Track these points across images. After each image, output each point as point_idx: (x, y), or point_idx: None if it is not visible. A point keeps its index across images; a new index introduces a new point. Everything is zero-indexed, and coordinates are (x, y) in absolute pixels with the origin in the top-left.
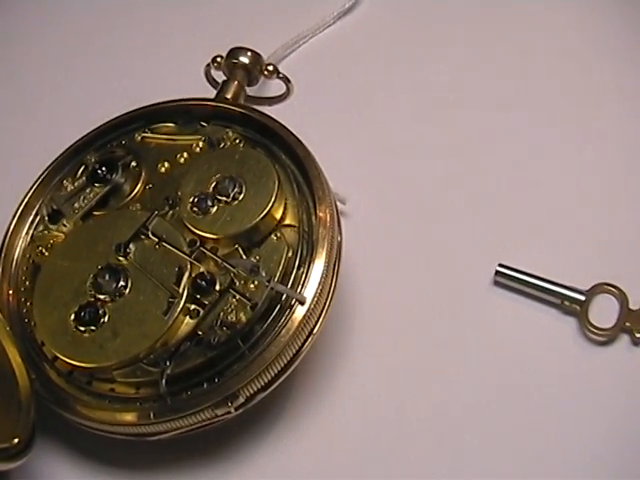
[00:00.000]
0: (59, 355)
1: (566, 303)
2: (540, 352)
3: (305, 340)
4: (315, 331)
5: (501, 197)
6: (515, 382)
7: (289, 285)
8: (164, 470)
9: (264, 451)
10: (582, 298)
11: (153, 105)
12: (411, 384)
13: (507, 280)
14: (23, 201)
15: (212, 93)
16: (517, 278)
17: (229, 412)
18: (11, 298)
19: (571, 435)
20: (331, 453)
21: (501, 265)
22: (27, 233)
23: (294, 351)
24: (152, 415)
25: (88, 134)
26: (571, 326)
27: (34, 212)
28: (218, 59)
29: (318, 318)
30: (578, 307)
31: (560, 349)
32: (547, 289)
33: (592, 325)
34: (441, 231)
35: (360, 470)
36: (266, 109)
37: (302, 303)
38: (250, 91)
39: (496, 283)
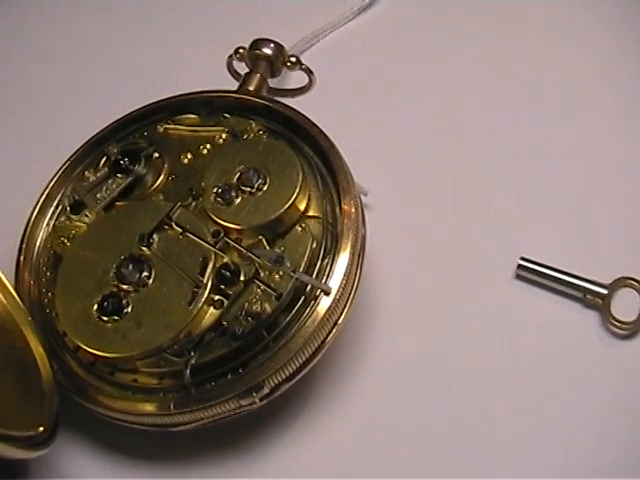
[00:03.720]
0: (82, 345)
1: (588, 297)
2: (562, 346)
3: (330, 331)
4: (340, 322)
5: (523, 190)
6: (537, 376)
7: (314, 276)
8: (186, 461)
9: (286, 443)
10: (604, 292)
11: (175, 97)
12: (432, 377)
13: (529, 274)
14: (44, 192)
15: (234, 85)
16: (539, 271)
17: (254, 403)
18: (32, 288)
19: (593, 429)
20: (353, 446)
21: (523, 258)
22: (48, 224)
23: (319, 342)
24: (175, 405)
25: (110, 125)
26: (593, 320)
27: (55, 203)
28: (240, 50)
29: (343, 309)
30: (600, 301)
31: (582, 343)
32: (569, 283)
33: (615, 319)
34: (463, 224)
35: (382, 463)
36: (287, 101)
37: (327, 294)
38: (271, 83)
39: (518, 277)
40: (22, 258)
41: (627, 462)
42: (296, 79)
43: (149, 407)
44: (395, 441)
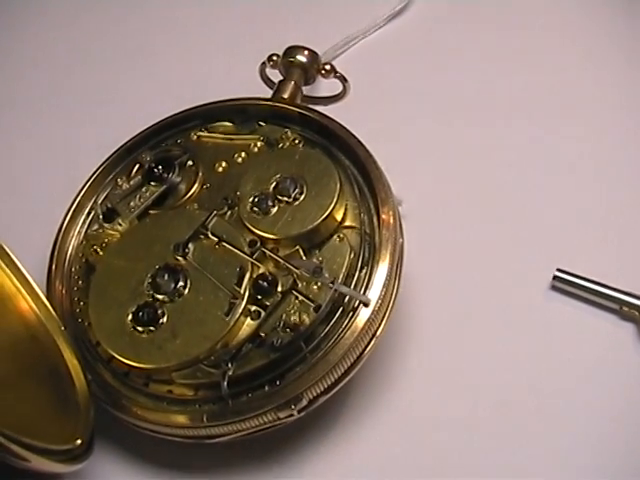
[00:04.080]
0: (116, 355)
1: (625, 309)
2: (598, 358)
3: (368, 342)
4: (378, 333)
5: (560, 201)
6: (572, 388)
7: (352, 287)
8: (221, 474)
9: (322, 456)
10: None
11: (208, 104)
12: (469, 387)
13: (565, 285)
14: (76, 199)
15: (266, 92)
16: (575, 283)
17: (291, 415)
18: (64, 297)
19: (628, 441)
20: (389, 457)
21: (559, 270)
22: (80, 232)
23: (357, 353)
24: (211, 417)
25: (142, 132)
26: (629, 332)
27: (87, 211)
28: (274, 58)
29: (381, 320)
30: (637, 313)
31: (618, 355)
32: (605, 294)
33: None
34: (499, 235)
35: (419, 475)
36: (320, 109)
37: (366, 305)
38: (305, 91)
39: (554, 288)
40: (54, 267)
41: None
42: (327, 87)
43: (184, 419)
44: (432, 452)
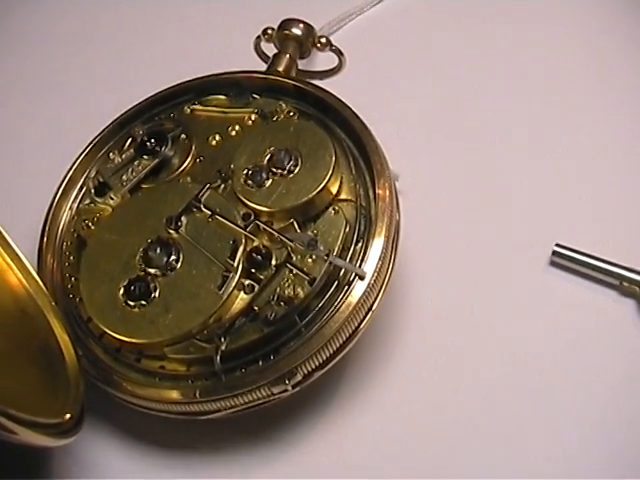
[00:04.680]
0: (108, 331)
1: (625, 284)
2: (598, 333)
3: (364, 317)
4: (374, 307)
5: (559, 177)
6: (572, 363)
7: (347, 260)
8: (215, 451)
9: (318, 432)
10: None
11: (202, 78)
12: (466, 363)
13: (564, 260)
14: (68, 174)
15: (262, 67)
16: (575, 258)
17: (286, 390)
18: (55, 272)
19: (628, 416)
20: (386, 434)
21: (558, 245)
22: (71, 207)
23: (353, 328)
24: (203, 393)
25: (135, 106)
26: (630, 307)
27: (79, 185)
28: (269, 31)
29: (377, 294)
30: (637, 288)
31: (618, 330)
32: (605, 270)
33: None
34: (497, 210)
35: (415, 450)
36: (316, 83)
37: (362, 278)
38: (300, 65)
39: (553, 263)
40: (45, 242)
41: None
42: (323, 62)
43: (176, 395)
44: (429, 427)
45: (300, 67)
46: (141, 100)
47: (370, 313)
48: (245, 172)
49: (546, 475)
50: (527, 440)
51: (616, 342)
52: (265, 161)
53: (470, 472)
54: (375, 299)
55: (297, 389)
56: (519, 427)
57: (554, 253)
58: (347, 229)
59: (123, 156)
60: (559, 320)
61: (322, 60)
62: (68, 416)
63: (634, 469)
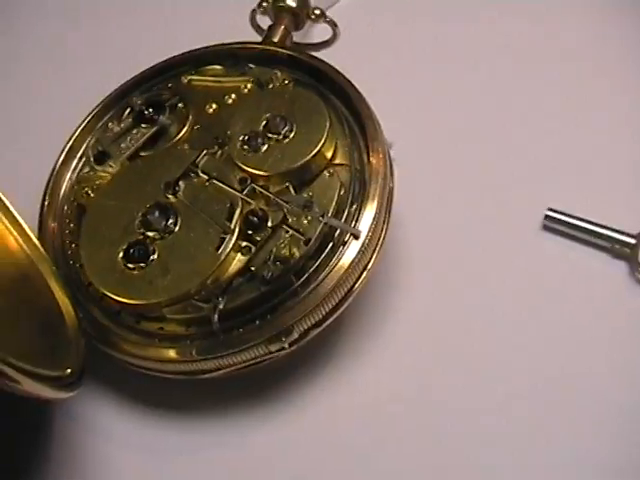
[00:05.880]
0: (108, 293)
1: (616, 247)
2: (590, 296)
3: (359, 276)
4: (369, 267)
5: (550, 141)
6: (566, 326)
7: (342, 221)
8: (214, 411)
9: (315, 391)
10: (632, 241)
11: (199, 49)
12: (459, 323)
13: (557, 224)
14: (68, 143)
15: (258, 39)
16: (567, 222)
17: (283, 348)
18: (56, 239)
19: (623, 379)
20: (383, 391)
21: (550, 209)
22: (72, 176)
23: (348, 287)
24: (203, 352)
25: (133, 77)
26: (621, 269)
27: (79, 154)
28: (264, 4)
29: (372, 254)
30: (628, 250)
31: (611, 292)
32: (597, 233)
33: None
34: (489, 175)
35: (415, 406)
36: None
37: (357, 237)
38: (295, 37)
39: (545, 227)
40: (46, 209)
41: None
42: (319, 35)
43: (175, 354)
44: (424, 385)
45: (297, 40)
46: (140, 72)
47: (365, 273)
48: (241, 138)
49: (539, 440)
50: (520, 401)
51: (608, 302)
52: (261, 127)
53: (466, 430)
54: (370, 259)
55: (294, 347)
56: (511, 388)
57: (546, 217)
58: (342, 192)
59: (122, 125)
60: (552, 282)
61: (320, 33)
62: (69, 371)
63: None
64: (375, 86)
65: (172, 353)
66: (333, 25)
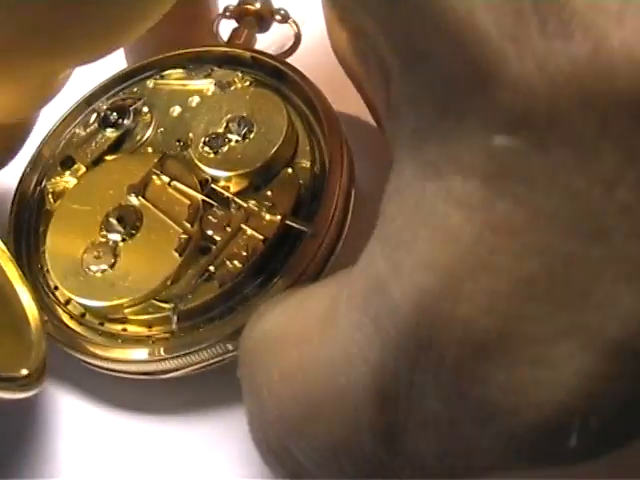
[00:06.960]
0: (72, 296)
1: None
2: None
3: (319, 273)
4: (329, 264)
5: None
6: None
7: (301, 219)
8: (177, 412)
9: None
10: None
11: (165, 55)
12: None
13: None
14: (36, 152)
15: None
16: None
17: None
18: (24, 243)
19: None
20: None
21: None
22: (39, 182)
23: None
24: (164, 351)
25: (100, 85)
26: None
27: (47, 162)
28: (230, 7)
29: (331, 251)
30: None
31: None
32: None
33: None
34: None
35: None
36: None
37: (315, 235)
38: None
39: None
40: (13, 216)
41: None
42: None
43: (137, 354)
44: None
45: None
46: (106, 78)
47: (325, 270)
48: (203, 140)
49: None
50: None
51: None
52: (222, 129)
53: None
54: (329, 256)
55: None
56: None
57: None
58: (302, 190)
59: (87, 130)
60: None
61: (286, 35)
62: (25, 372)
63: None
64: (339, 85)
65: (133, 353)
66: (297, 26)
